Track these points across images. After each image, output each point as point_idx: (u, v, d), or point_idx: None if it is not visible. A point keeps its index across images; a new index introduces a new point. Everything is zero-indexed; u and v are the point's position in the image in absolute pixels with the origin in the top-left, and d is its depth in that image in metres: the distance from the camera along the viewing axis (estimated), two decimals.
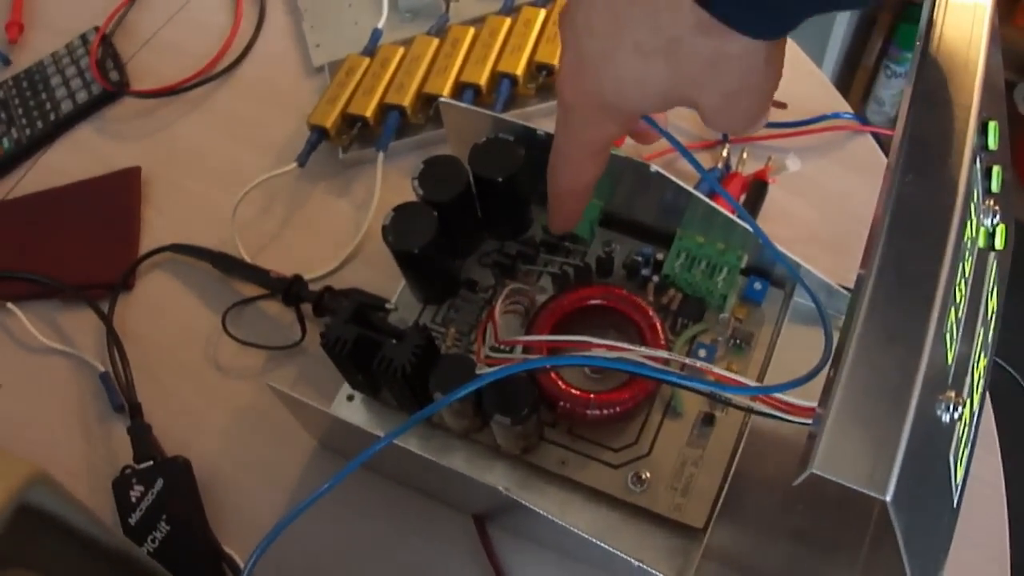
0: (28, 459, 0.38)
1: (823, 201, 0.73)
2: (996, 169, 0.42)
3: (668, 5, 0.38)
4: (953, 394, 0.35)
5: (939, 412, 0.35)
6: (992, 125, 0.42)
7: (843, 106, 0.78)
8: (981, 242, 0.42)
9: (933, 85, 0.41)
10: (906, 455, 0.32)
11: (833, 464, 0.32)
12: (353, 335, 0.56)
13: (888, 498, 0.31)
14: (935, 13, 0.44)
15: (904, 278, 0.36)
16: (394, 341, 0.55)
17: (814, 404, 0.45)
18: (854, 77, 1.87)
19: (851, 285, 0.60)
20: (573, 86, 0.45)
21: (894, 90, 1.85)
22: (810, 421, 0.46)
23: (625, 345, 0.50)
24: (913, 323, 0.35)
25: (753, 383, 0.48)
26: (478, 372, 0.53)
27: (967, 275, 0.39)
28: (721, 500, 0.55)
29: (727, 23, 0.38)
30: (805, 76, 0.81)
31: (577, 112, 0.47)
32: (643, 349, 0.49)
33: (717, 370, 0.48)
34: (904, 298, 0.35)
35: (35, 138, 0.87)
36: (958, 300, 0.38)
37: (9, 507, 0.36)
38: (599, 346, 0.51)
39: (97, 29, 0.92)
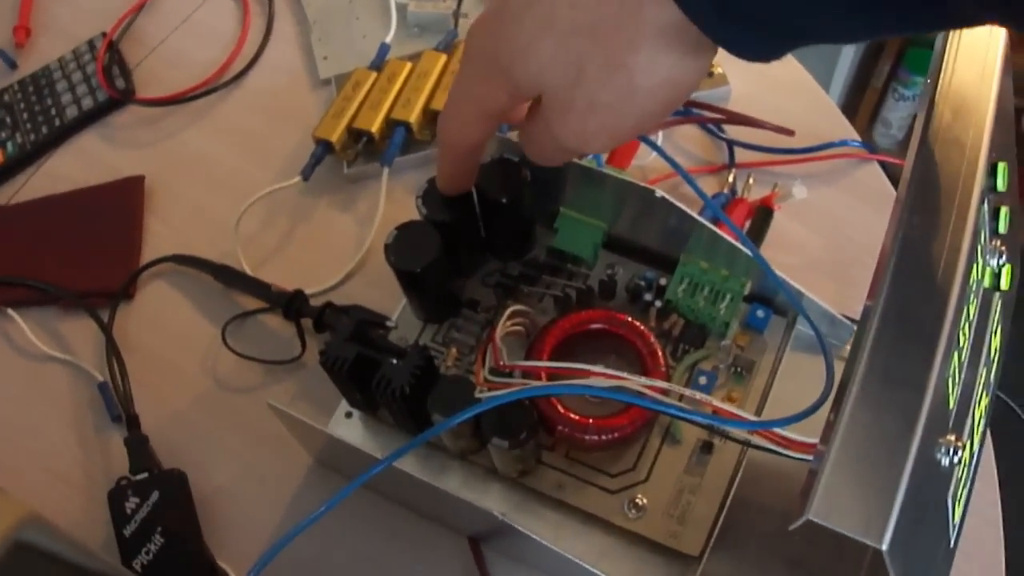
0: (21, 499, 0.38)
1: (828, 229, 0.73)
2: (1004, 210, 0.42)
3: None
4: (953, 437, 0.35)
5: (939, 456, 0.35)
6: (1001, 167, 0.42)
7: (851, 133, 0.77)
8: (986, 282, 0.41)
9: (944, 123, 0.41)
10: (904, 502, 0.32)
11: (830, 511, 0.32)
12: (352, 354, 0.55)
13: (884, 547, 0.31)
14: (948, 45, 0.43)
15: (909, 321, 0.36)
16: (394, 360, 0.55)
17: (812, 440, 0.45)
18: (862, 99, 1.87)
19: (854, 315, 0.60)
20: (480, 34, 0.44)
21: (902, 113, 1.85)
22: (807, 457, 0.46)
23: (624, 375, 0.50)
24: (916, 368, 0.34)
25: (752, 417, 0.48)
26: (477, 395, 0.53)
27: (971, 318, 0.39)
28: (717, 529, 0.55)
29: (726, 46, 0.37)
30: (813, 102, 0.81)
31: (473, 64, 0.46)
32: (642, 379, 0.49)
33: (716, 403, 0.48)
34: (908, 342, 0.35)
35: (39, 144, 0.86)
36: (961, 343, 0.38)
37: (3, 546, 0.36)
38: (597, 374, 0.51)
39: (105, 35, 0.92)
